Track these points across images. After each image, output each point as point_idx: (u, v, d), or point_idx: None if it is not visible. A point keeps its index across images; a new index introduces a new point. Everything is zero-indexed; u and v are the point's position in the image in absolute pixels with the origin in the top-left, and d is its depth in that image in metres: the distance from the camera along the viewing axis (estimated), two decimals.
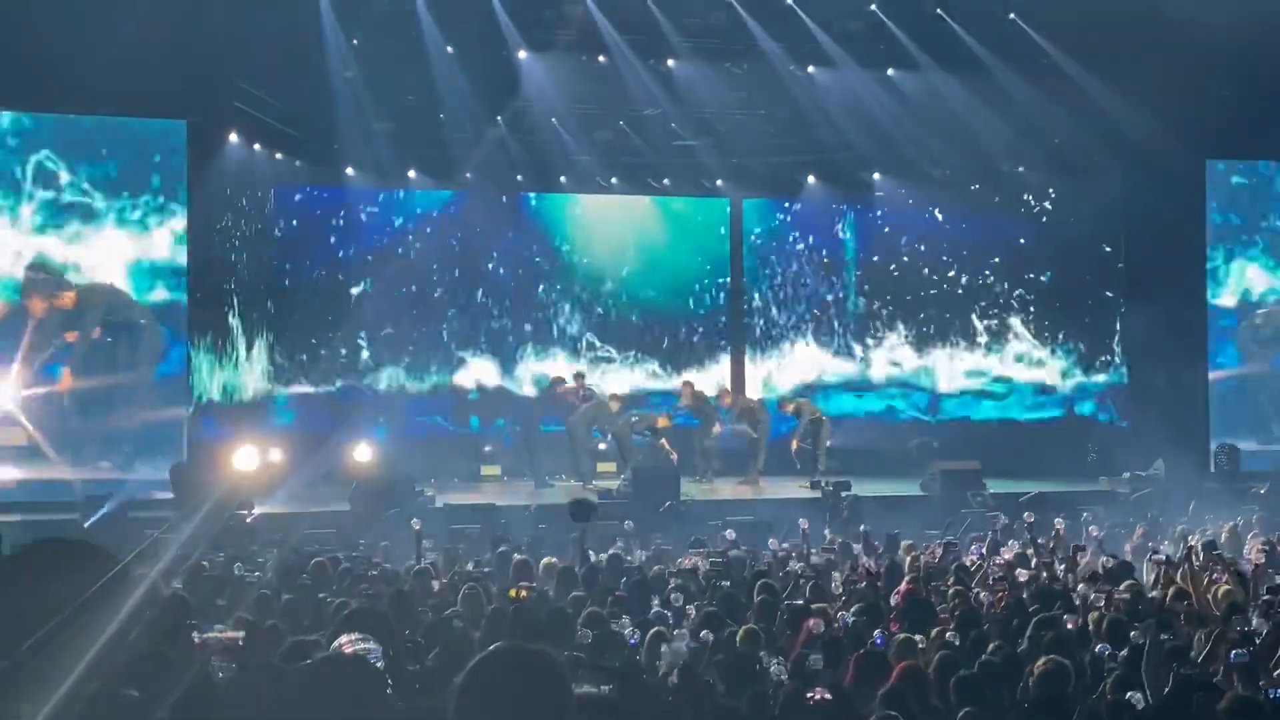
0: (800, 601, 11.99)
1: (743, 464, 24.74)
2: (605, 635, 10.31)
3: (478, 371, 27.63)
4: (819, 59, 24.06)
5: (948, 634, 10.72)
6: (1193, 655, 9.94)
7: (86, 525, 16.53)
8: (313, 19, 21.01)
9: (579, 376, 25.56)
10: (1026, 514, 17.06)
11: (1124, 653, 10.00)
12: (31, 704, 3.88)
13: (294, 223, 26.71)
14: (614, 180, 27.66)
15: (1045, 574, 13.51)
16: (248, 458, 19.60)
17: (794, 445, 24.77)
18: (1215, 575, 13.28)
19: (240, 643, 6.98)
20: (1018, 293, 28.34)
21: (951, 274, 28.70)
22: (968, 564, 14.60)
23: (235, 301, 24.03)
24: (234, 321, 23.92)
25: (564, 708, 3.71)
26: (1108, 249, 27.08)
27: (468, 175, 26.70)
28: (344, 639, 5.59)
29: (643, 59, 23.60)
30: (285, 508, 19.25)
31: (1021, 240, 28.06)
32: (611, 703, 5.76)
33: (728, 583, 12.95)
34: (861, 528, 17.76)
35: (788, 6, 22.27)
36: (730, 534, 16.97)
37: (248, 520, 17.81)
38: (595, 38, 22.82)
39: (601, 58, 23.56)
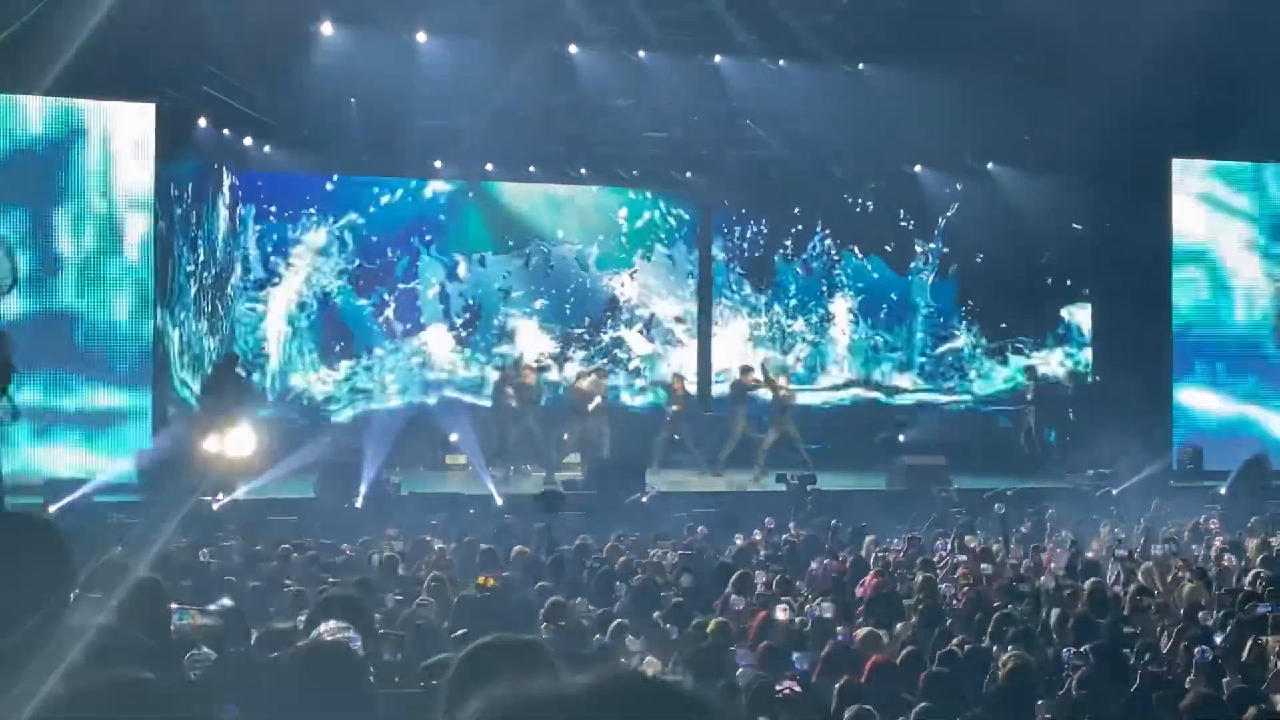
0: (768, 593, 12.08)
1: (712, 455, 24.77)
2: (571, 625, 10.35)
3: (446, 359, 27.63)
4: (790, 53, 24.09)
5: (913, 628, 10.80)
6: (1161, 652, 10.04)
7: (52, 510, 16.42)
8: (286, 3, 20.91)
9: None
10: (998, 506, 17.15)
11: (1088, 649, 10.07)
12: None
13: (263, 208, 26.62)
14: (583, 171, 27.69)
15: (1011, 570, 13.61)
16: (214, 443, 19.61)
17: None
18: (1178, 573, 13.41)
19: (218, 628, 6.99)
20: (985, 292, 28.53)
21: (922, 275, 28.89)
22: (933, 559, 14.68)
23: (202, 286, 23.94)
24: (200, 305, 23.83)
25: None
26: (1072, 250, 27.32)
27: (437, 164, 26.71)
28: (324, 627, 5.58)
29: (614, 50, 23.59)
30: (251, 494, 19.19)
31: (990, 238, 28.14)
32: None
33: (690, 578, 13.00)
34: (834, 521, 17.83)
35: None
36: (702, 530, 17.13)
37: (215, 508, 17.78)
38: (567, 28, 22.79)
39: (573, 48, 23.54)
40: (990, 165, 27.36)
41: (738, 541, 16.32)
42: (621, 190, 28.49)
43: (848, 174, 28.21)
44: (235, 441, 20.08)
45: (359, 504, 18.70)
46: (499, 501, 19.85)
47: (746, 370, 24.87)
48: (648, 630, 10.69)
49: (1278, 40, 21.17)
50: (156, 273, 21.38)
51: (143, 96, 21.03)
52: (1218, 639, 10.42)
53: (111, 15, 17.62)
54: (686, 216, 28.98)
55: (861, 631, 10.31)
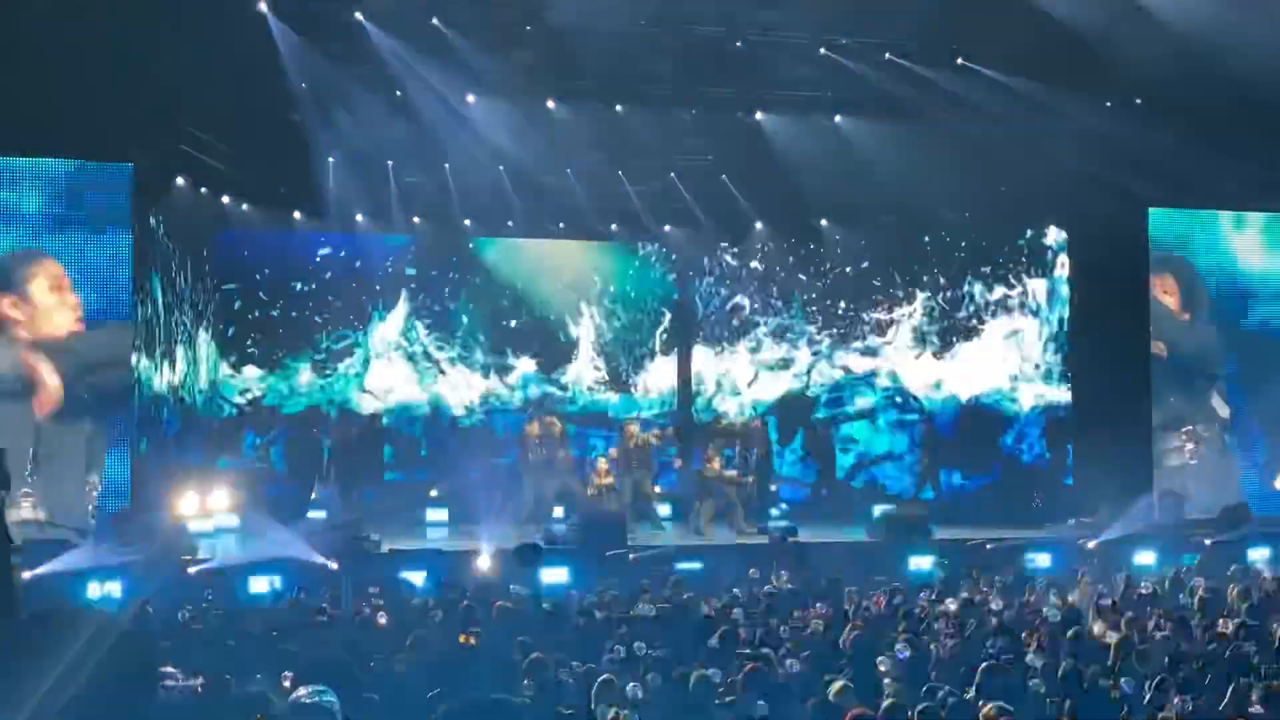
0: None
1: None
2: (551, 682, 10.29)
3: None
4: (768, 105, 24.17)
5: (895, 679, 10.76)
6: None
7: (28, 576, 16.19)
8: (263, 62, 20.89)
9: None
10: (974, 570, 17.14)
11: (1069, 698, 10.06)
12: None
13: (240, 266, 26.63)
14: (561, 225, 27.78)
15: (995, 620, 13.59)
16: (191, 503, 19.53)
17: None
18: (1159, 621, 13.41)
19: (199, 689, 6.94)
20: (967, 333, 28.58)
21: (895, 322, 28.92)
22: (915, 610, 14.65)
23: (181, 342, 23.89)
24: (180, 363, 23.76)
25: None
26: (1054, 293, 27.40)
27: (415, 220, 26.76)
28: (301, 690, 5.55)
29: (590, 105, 23.64)
30: (232, 553, 19.09)
31: (969, 283, 28.25)
32: None
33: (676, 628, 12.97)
34: (806, 572, 17.81)
35: (739, 51, 22.31)
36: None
37: (191, 570, 17.64)
38: (542, 83, 22.82)
39: (550, 103, 23.57)
40: (967, 215, 27.46)
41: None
42: (600, 244, 28.64)
43: (828, 228, 28.40)
44: (211, 501, 20.04)
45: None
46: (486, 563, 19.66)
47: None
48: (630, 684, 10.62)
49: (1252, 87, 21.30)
50: (136, 332, 21.31)
51: (120, 156, 21.02)
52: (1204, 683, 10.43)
53: (87, 74, 17.68)
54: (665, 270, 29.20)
55: (838, 684, 10.21)
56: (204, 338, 25.47)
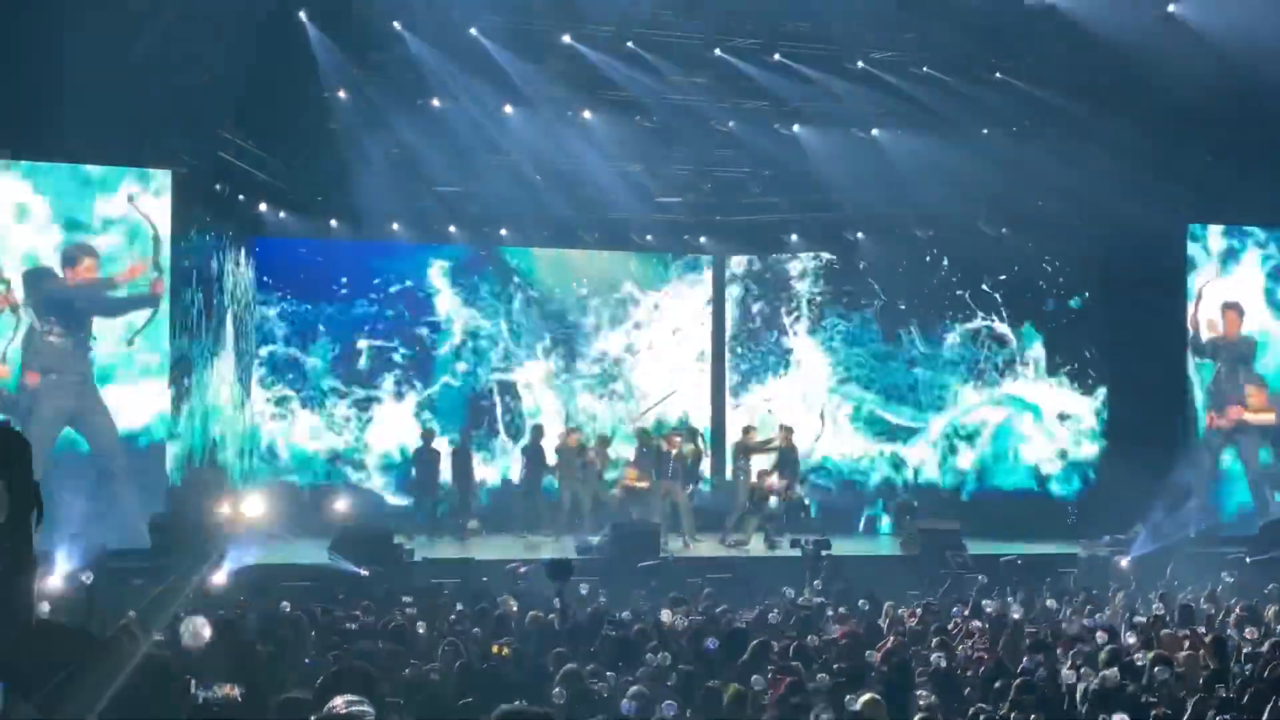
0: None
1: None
2: (583, 693, 10.28)
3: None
4: (804, 116, 24.18)
5: (927, 695, 10.71)
6: None
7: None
8: (301, 71, 20.99)
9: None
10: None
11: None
12: None
13: (278, 274, 26.72)
14: (596, 236, 27.80)
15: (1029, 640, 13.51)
16: (227, 508, 19.58)
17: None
18: (1194, 641, 13.32)
19: (240, 699, 6.96)
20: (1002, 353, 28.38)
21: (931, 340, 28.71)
22: (949, 626, 14.58)
23: (218, 349, 23.96)
24: (218, 371, 23.83)
25: None
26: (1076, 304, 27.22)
27: (451, 229, 26.81)
28: (339, 700, 5.56)
29: (626, 114, 23.68)
30: (264, 559, 19.10)
31: (1004, 301, 28.07)
32: None
33: (712, 641, 12.93)
34: (839, 588, 17.76)
35: (776, 61, 22.31)
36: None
37: (223, 577, 17.63)
38: (580, 92, 22.89)
39: (586, 113, 23.61)
40: (1004, 230, 27.29)
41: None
42: (637, 254, 28.66)
43: (863, 240, 28.26)
44: (248, 506, 20.07)
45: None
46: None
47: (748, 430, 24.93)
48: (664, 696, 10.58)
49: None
50: (173, 340, 21.36)
51: (159, 163, 21.09)
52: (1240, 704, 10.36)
53: (127, 81, 17.76)
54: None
55: (864, 697, 10.12)
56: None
